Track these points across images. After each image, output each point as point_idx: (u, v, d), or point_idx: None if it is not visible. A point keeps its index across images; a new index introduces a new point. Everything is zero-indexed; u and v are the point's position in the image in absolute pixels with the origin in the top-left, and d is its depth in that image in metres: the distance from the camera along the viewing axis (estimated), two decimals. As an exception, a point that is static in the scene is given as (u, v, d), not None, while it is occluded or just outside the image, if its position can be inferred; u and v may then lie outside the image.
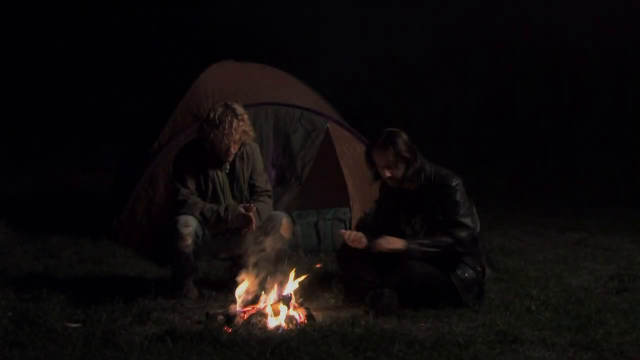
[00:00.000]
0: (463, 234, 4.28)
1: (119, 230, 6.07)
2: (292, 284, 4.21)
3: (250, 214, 4.56)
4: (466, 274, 4.29)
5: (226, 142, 4.59)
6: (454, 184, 4.35)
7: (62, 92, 14.48)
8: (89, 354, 3.39)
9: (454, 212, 4.31)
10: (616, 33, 14.08)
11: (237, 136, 4.62)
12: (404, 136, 4.44)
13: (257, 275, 4.25)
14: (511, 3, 14.62)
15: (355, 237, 4.42)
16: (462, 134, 13.93)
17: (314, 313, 4.09)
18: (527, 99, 14.87)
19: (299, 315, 4.01)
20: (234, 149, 4.68)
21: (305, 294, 4.43)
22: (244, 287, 4.17)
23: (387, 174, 4.42)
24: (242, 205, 4.66)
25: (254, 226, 4.58)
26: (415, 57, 14.18)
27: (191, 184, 4.68)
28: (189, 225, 4.50)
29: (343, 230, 4.80)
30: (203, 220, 4.60)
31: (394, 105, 13.64)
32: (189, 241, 4.48)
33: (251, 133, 4.75)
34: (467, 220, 4.32)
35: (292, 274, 4.25)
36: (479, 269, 4.39)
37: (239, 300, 4.09)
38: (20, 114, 13.56)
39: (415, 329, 3.89)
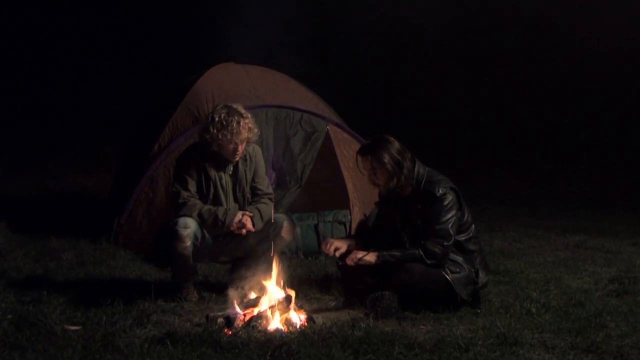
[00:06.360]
0: (436, 248, 4.22)
1: (119, 233, 6.07)
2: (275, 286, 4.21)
3: (247, 222, 4.57)
4: (458, 269, 4.29)
5: (235, 141, 4.59)
6: (439, 193, 4.27)
7: (61, 92, 14.47)
8: (89, 356, 3.39)
9: (433, 221, 4.26)
10: (616, 35, 14.10)
11: (245, 134, 4.63)
12: (393, 147, 4.32)
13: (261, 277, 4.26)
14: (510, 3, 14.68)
15: (329, 249, 4.41)
16: (462, 135, 13.93)
17: (314, 315, 4.09)
18: (528, 100, 14.87)
19: (299, 317, 4.01)
20: (241, 148, 4.68)
21: (305, 296, 4.43)
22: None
23: (370, 180, 4.40)
24: (242, 211, 4.65)
25: (244, 231, 4.59)
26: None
27: (192, 187, 4.67)
28: (188, 227, 4.48)
29: (326, 240, 4.65)
30: (200, 221, 4.59)
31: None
32: (188, 243, 4.46)
33: (256, 130, 4.74)
34: (445, 230, 4.23)
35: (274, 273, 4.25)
36: (472, 269, 4.37)
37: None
38: (20, 113, 13.55)
39: (416, 331, 3.89)
